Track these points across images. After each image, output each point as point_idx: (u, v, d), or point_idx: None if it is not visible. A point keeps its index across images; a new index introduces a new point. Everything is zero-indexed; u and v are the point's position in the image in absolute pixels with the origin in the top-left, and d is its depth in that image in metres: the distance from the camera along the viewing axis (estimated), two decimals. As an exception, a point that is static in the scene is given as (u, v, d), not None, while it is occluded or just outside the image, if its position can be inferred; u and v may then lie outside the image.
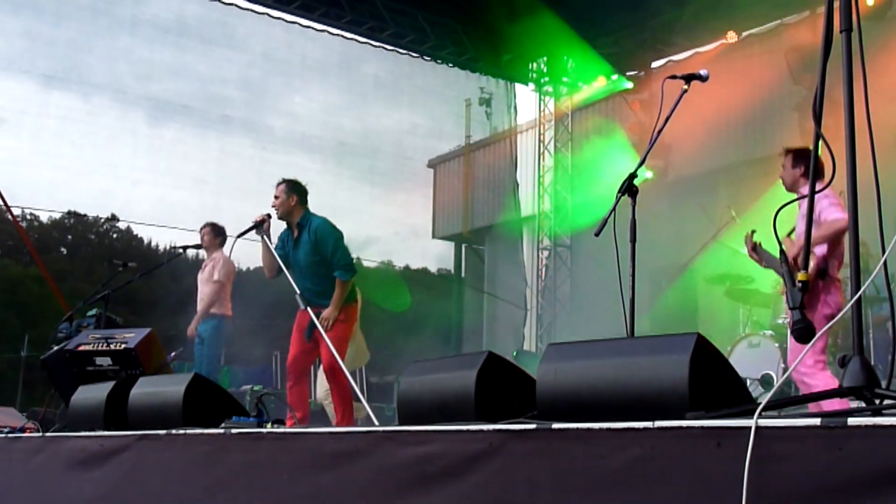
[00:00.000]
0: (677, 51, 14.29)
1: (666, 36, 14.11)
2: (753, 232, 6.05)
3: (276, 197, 7.50)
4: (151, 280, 14.42)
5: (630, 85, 14.90)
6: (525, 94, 16.36)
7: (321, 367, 8.41)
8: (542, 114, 16.33)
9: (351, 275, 7.55)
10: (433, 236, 19.35)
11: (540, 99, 16.27)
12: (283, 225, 7.70)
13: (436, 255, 20.45)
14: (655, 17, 13.70)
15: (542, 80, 16.18)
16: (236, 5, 13.23)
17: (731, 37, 13.44)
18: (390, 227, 16.78)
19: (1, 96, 12.58)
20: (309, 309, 7.09)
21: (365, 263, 17.93)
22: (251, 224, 7.35)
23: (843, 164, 2.94)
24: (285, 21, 13.72)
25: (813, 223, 5.59)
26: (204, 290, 10.04)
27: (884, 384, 2.82)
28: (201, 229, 10.16)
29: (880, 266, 2.74)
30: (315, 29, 13.98)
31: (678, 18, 13.60)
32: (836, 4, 3.03)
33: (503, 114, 16.24)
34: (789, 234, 6.24)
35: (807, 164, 5.60)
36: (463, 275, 19.90)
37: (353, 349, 8.90)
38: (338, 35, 14.18)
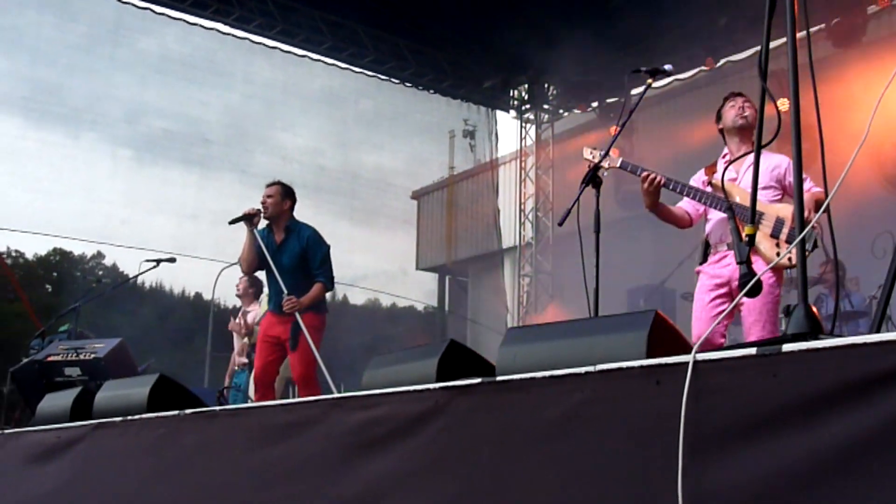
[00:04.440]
0: (656, 78, 14.39)
1: (645, 63, 14.17)
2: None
3: (268, 196, 7.39)
4: (135, 319, 14.39)
5: (611, 115, 14.96)
6: (507, 122, 16.49)
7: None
8: (523, 140, 16.41)
9: (332, 287, 7.57)
10: (417, 267, 19.31)
11: (521, 126, 16.36)
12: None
13: (421, 291, 20.31)
14: (635, 44, 13.80)
15: (523, 108, 16.27)
16: (217, 30, 13.31)
17: (709, 64, 13.56)
18: (374, 261, 16.70)
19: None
20: (298, 316, 7.09)
21: (351, 301, 17.81)
22: (242, 214, 7.35)
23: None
24: (266, 47, 13.80)
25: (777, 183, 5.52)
26: (238, 345, 10.10)
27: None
28: (239, 279, 10.16)
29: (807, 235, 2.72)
30: (296, 55, 14.06)
31: (657, 45, 13.70)
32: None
33: (485, 141, 16.29)
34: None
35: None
36: (447, 307, 19.84)
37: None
38: (318, 61, 14.25)
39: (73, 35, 12.93)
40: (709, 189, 5.55)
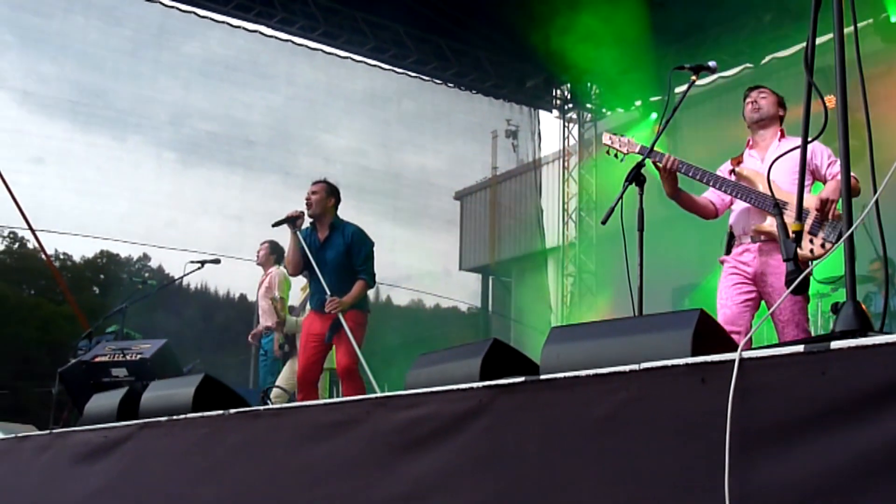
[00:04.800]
0: (700, 75, 14.26)
1: (689, 60, 14.04)
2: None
3: (313, 193, 7.43)
4: (181, 320, 14.50)
5: (654, 115, 14.85)
6: (549, 122, 16.34)
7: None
8: (566, 140, 16.35)
9: (373, 285, 7.61)
10: (460, 268, 19.30)
11: (564, 125, 16.29)
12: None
13: (465, 291, 20.25)
14: (679, 41, 13.69)
15: (565, 107, 16.22)
16: (260, 33, 13.40)
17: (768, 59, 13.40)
18: (418, 261, 16.69)
19: (38, 135, 12.85)
20: (341, 315, 7.13)
21: (395, 302, 17.82)
22: (285, 217, 7.40)
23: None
24: (308, 49, 13.86)
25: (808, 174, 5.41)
26: (264, 305, 10.10)
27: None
28: (261, 245, 10.22)
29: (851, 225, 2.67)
30: (338, 56, 14.10)
31: (702, 43, 13.59)
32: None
33: (527, 141, 16.26)
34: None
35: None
36: (490, 307, 19.80)
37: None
38: (361, 62, 14.30)
39: (119, 39, 13.08)
40: (732, 178, 5.50)
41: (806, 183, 5.30)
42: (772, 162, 3.19)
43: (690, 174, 5.50)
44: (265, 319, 10.06)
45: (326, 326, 7.31)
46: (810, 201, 5.09)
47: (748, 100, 5.82)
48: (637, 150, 5.66)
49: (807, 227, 5.12)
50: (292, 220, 7.38)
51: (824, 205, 5.10)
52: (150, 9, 12.97)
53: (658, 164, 5.48)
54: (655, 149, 5.58)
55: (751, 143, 5.77)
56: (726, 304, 5.42)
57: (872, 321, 2.70)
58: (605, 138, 5.80)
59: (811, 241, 5.11)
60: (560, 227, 16.28)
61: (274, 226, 7.56)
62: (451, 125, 15.74)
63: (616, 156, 5.69)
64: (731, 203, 5.65)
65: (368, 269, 7.44)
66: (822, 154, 5.35)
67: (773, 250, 5.22)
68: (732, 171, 5.53)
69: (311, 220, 7.50)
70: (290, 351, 9.28)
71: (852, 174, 5.09)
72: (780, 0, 12.50)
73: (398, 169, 15.55)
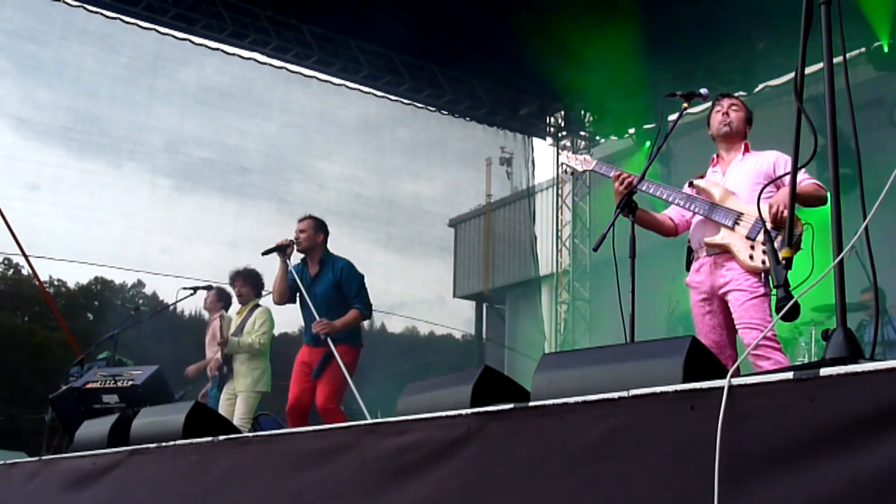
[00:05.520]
0: (692, 102, 14.31)
1: (682, 89, 14.06)
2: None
3: (301, 231, 7.45)
4: (173, 347, 14.43)
5: (649, 143, 14.87)
6: (543, 149, 16.33)
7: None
8: (559, 168, 16.37)
9: (369, 315, 7.56)
10: (454, 295, 19.28)
11: (558, 152, 16.31)
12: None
13: (459, 319, 20.23)
14: (672, 70, 13.72)
15: (559, 134, 16.25)
16: (255, 60, 13.43)
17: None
18: (412, 289, 16.65)
19: (33, 161, 12.87)
20: (331, 344, 7.06)
21: (389, 329, 17.77)
22: (275, 245, 7.39)
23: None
24: (303, 76, 13.90)
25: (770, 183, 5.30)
26: (209, 354, 9.94)
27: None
28: (208, 293, 9.93)
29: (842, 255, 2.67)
30: (332, 84, 14.13)
31: (695, 71, 13.62)
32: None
33: (521, 168, 16.29)
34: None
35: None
36: (484, 335, 19.78)
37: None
38: (355, 90, 14.33)
39: (114, 66, 13.12)
40: (691, 191, 5.42)
41: (769, 194, 5.15)
42: (760, 188, 3.18)
43: (644, 189, 5.41)
44: (211, 371, 9.87)
45: (316, 359, 7.25)
46: (765, 212, 4.90)
47: (718, 108, 5.65)
48: (592, 167, 5.65)
49: (760, 238, 4.96)
50: (282, 249, 7.37)
51: (775, 213, 4.90)
52: (145, 36, 12.99)
53: (616, 181, 5.36)
54: (608, 164, 5.58)
55: (715, 160, 5.64)
56: (706, 337, 5.27)
57: (864, 349, 2.69)
58: (563, 156, 5.79)
59: (763, 252, 4.91)
60: (554, 254, 16.29)
61: (264, 254, 7.54)
62: (445, 152, 15.75)
63: (572, 173, 5.69)
64: (693, 219, 5.56)
65: (362, 299, 7.39)
66: (785, 165, 5.19)
67: (726, 261, 5.15)
68: (691, 184, 5.45)
69: (301, 255, 7.50)
70: (227, 374, 8.99)
71: (816, 182, 5.06)
72: (773, 29, 12.55)
73: (392, 196, 15.56)
